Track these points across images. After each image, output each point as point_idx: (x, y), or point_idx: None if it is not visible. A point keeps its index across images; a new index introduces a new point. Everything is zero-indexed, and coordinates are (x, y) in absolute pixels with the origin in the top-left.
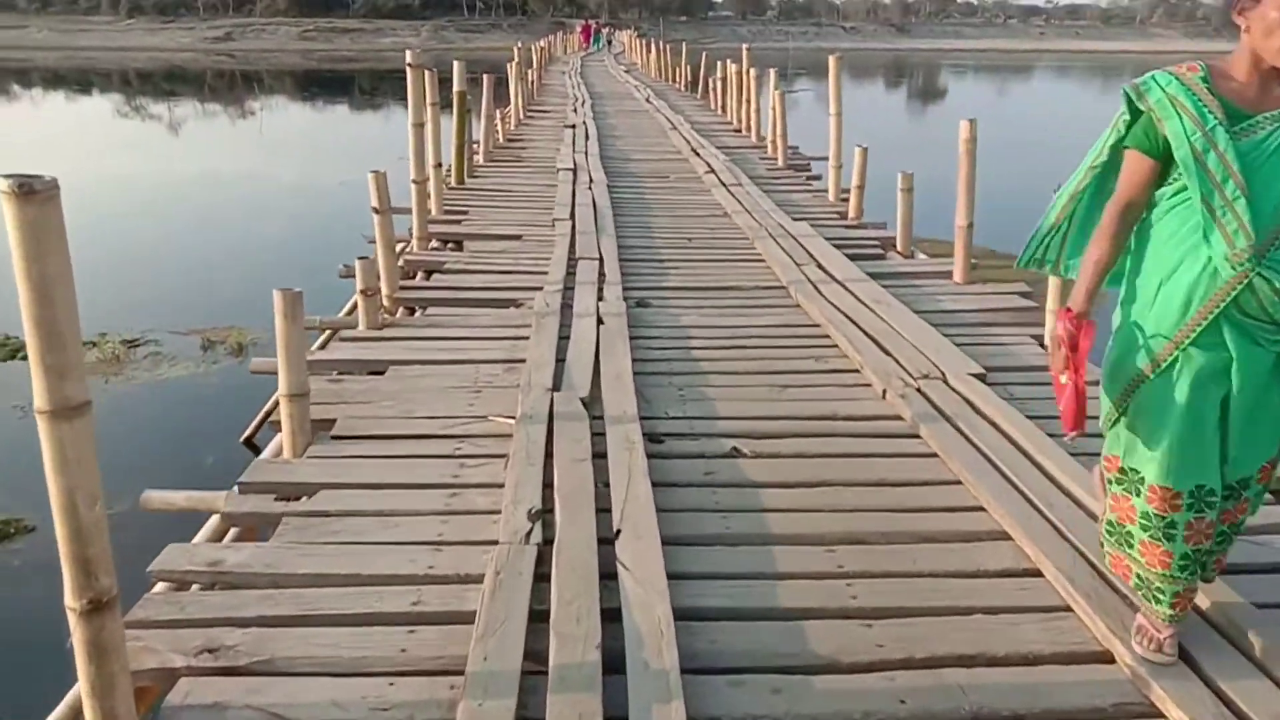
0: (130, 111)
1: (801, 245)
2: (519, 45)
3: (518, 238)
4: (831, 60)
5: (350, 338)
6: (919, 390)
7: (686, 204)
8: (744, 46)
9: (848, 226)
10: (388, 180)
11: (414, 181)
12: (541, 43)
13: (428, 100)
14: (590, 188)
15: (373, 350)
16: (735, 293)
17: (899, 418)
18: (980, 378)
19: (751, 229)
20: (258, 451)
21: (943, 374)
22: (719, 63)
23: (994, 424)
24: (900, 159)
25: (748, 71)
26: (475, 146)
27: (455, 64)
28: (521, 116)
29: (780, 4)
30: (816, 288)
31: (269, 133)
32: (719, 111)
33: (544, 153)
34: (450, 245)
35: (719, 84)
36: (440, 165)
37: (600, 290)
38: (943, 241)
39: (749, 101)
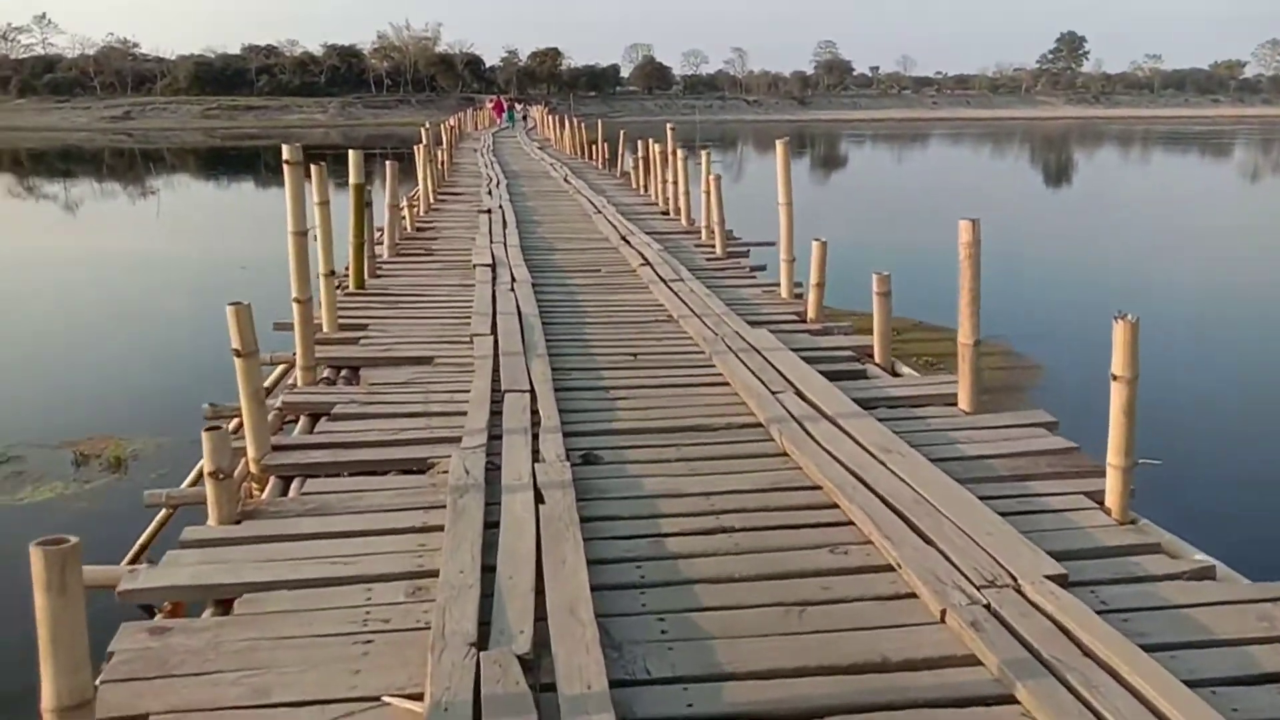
0: (19, 191)
1: (769, 362)
2: (427, 124)
3: (428, 360)
4: (779, 145)
5: (193, 540)
6: (988, 608)
7: (624, 306)
8: (668, 125)
9: (812, 333)
10: (251, 311)
11: (295, 301)
12: (451, 120)
13: (315, 199)
14: (513, 288)
15: (219, 566)
16: (704, 435)
17: (976, 661)
18: (1062, 581)
19: (706, 339)
20: None
21: (1013, 577)
22: (639, 140)
23: (1114, 673)
24: (812, 223)
25: (673, 151)
26: (379, 235)
27: (351, 153)
28: (431, 201)
29: (684, 79)
30: (805, 428)
31: (167, 212)
32: (641, 191)
33: (457, 244)
34: (344, 374)
35: (641, 162)
36: (332, 273)
37: (535, 441)
38: (860, 314)
39: (675, 183)
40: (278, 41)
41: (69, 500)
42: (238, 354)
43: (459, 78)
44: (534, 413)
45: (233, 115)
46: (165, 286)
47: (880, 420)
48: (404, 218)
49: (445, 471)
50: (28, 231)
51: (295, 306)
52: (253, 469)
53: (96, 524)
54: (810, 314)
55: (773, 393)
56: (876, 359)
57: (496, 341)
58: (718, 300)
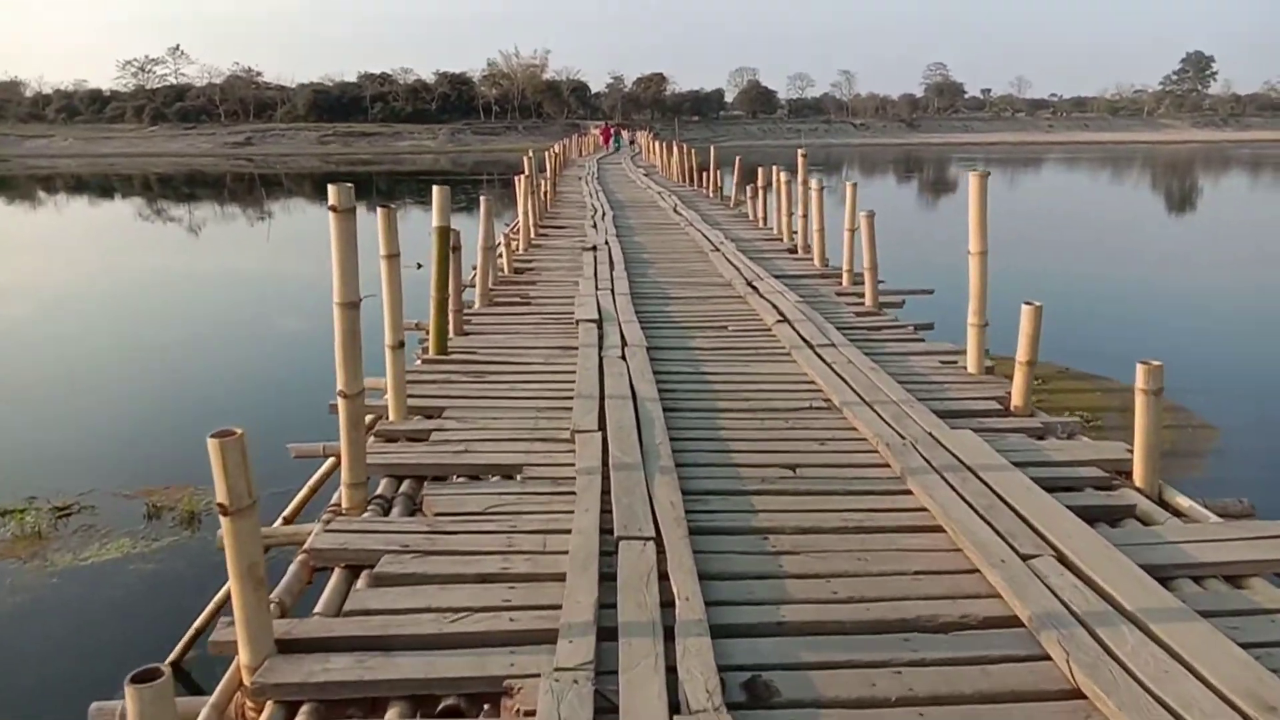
0: (148, 213)
1: (992, 490)
2: (530, 152)
3: (515, 471)
4: (973, 179)
5: None
6: None
7: (764, 382)
8: (799, 151)
9: (1029, 433)
10: (245, 446)
11: (341, 395)
12: (556, 146)
13: (381, 251)
14: (624, 354)
15: None
16: (933, 641)
17: None
18: None
19: (890, 444)
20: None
21: None
22: (759, 168)
23: None
24: (923, 249)
25: (804, 180)
26: (472, 278)
27: (435, 190)
28: (533, 235)
29: (789, 102)
30: (1105, 645)
31: (280, 236)
32: (761, 224)
33: (559, 289)
34: (403, 490)
35: (761, 192)
36: (401, 345)
37: (669, 645)
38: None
39: (805, 216)
40: (392, 69)
41: (135, 561)
42: (224, 511)
43: (565, 104)
44: (663, 577)
45: (347, 141)
46: (273, 311)
47: (1203, 615)
48: (500, 257)
49: (529, 715)
50: (139, 253)
51: (341, 404)
52: (245, 680)
53: (163, 588)
54: (1016, 401)
55: (1021, 555)
56: (1138, 482)
57: (606, 443)
58: (887, 377)
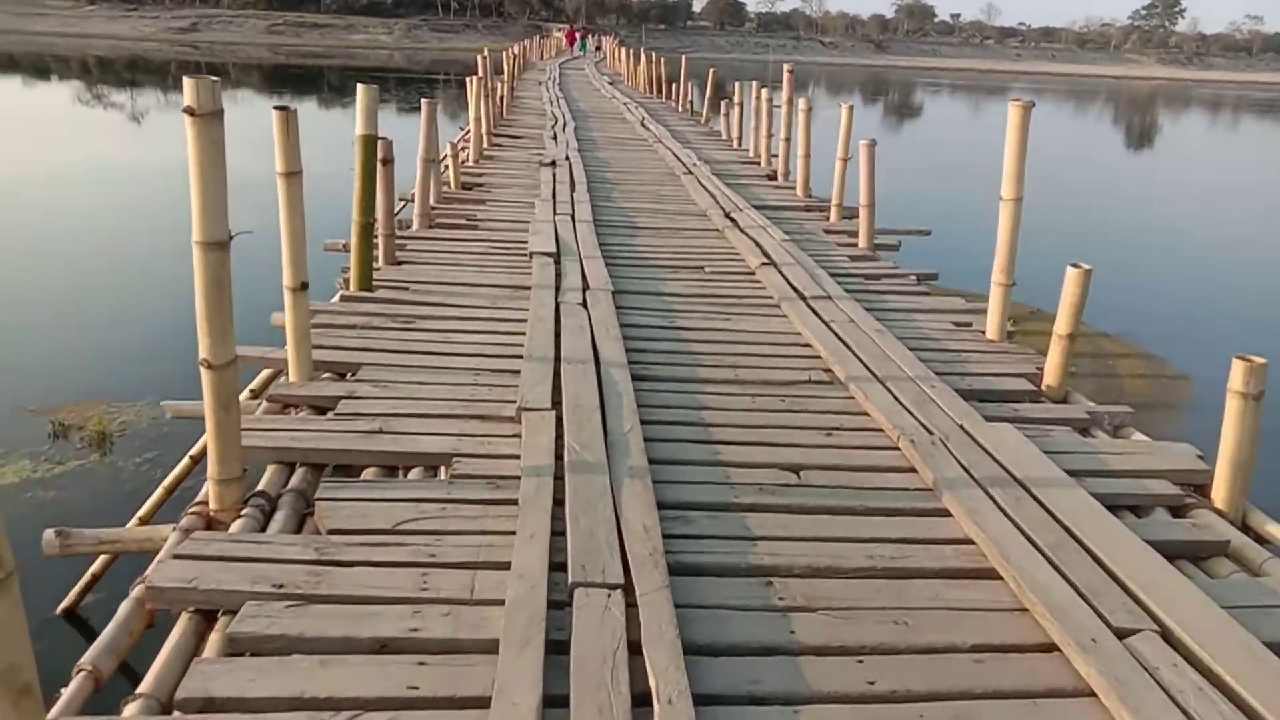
0: (87, 98)
1: (1055, 517)
2: (485, 50)
3: (441, 463)
4: (1013, 110)
5: None
6: None
7: (754, 345)
8: (785, 67)
9: (1076, 426)
10: None
11: (205, 366)
12: (516, 47)
13: (278, 167)
14: (585, 302)
15: None
16: None
17: None
18: None
19: (915, 439)
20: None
21: None
22: (738, 84)
23: None
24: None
25: (789, 99)
26: (411, 197)
27: (359, 90)
28: (485, 146)
29: (759, 15)
30: None
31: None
32: (736, 145)
33: (512, 211)
34: (295, 479)
35: (738, 109)
36: (304, 286)
37: None
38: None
39: (787, 139)
40: None
41: (34, 486)
42: None
43: (527, 4)
44: (634, 649)
45: (298, 32)
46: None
47: None
48: (447, 169)
49: None
50: (106, 139)
51: (205, 377)
52: None
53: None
54: (1049, 380)
55: (1114, 630)
56: (1219, 503)
57: (561, 428)
58: (897, 344)
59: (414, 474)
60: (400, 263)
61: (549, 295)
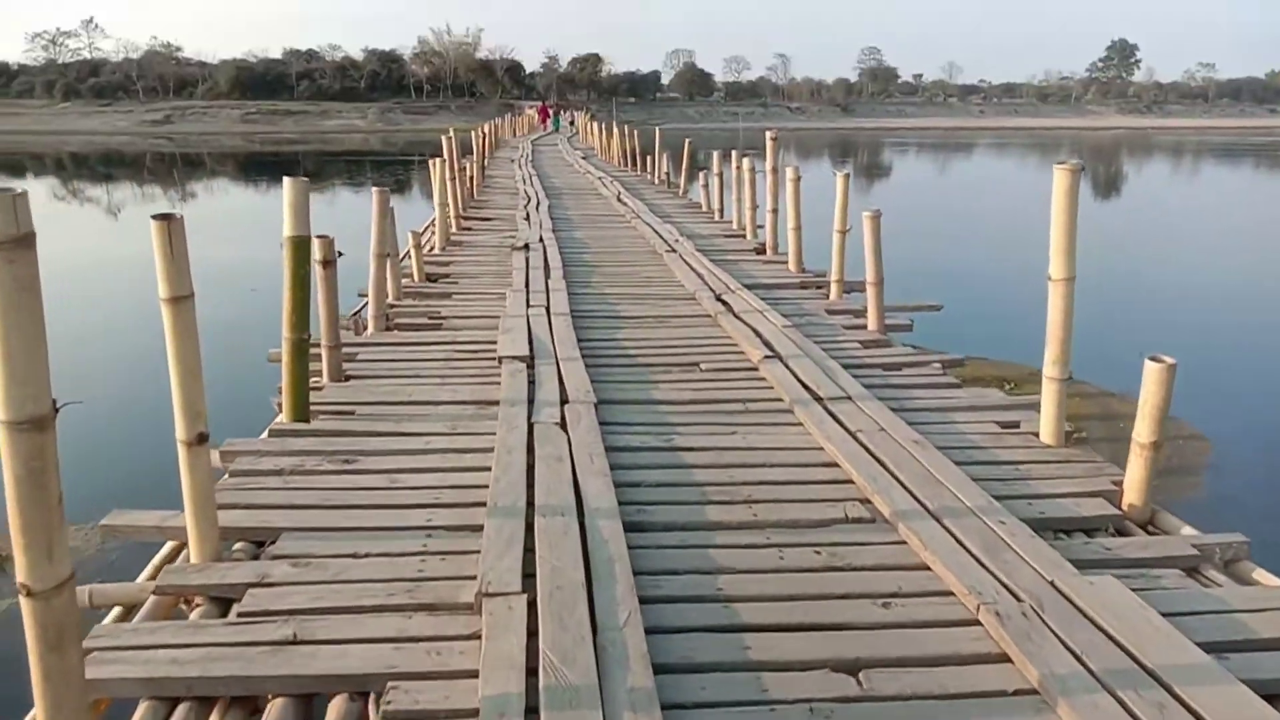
0: (62, 194)
1: None
2: (451, 131)
3: (365, 696)
4: (1059, 175)
5: None
6: None
7: (766, 465)
8: (769, 134)
9: (1181, 563)
10: None
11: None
12: (486, 126)
13: (161, 292)
14: (564, 421)
15: None
16: None
17: None
18: None
19: (996, 611)
20: None
21: None
22: (716, 153)
23: None
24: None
25: (774, 167)
26: (362, 301)
27: (286, 183)
28: (453, 231)
29: (726, 85)
30: None
31: (198, 216)
32: (717, 216)
33: (481, 304)
34: None
35: (717, 180)
36: (201, 440)
37: None
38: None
39: (777, 212)
40: (319, 46)
41: None
42: None
43: (499, 84)
44: None
45: (272, 120)
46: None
47: None
48: (407, 262)
49: None
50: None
51: (25, 604)
52: None
53: None
54: (1131, 498)
55: None
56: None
57: (534, 623)
58: (942, 459)
59: (334, 709)
60: (349, 378)
61: (521, 414)
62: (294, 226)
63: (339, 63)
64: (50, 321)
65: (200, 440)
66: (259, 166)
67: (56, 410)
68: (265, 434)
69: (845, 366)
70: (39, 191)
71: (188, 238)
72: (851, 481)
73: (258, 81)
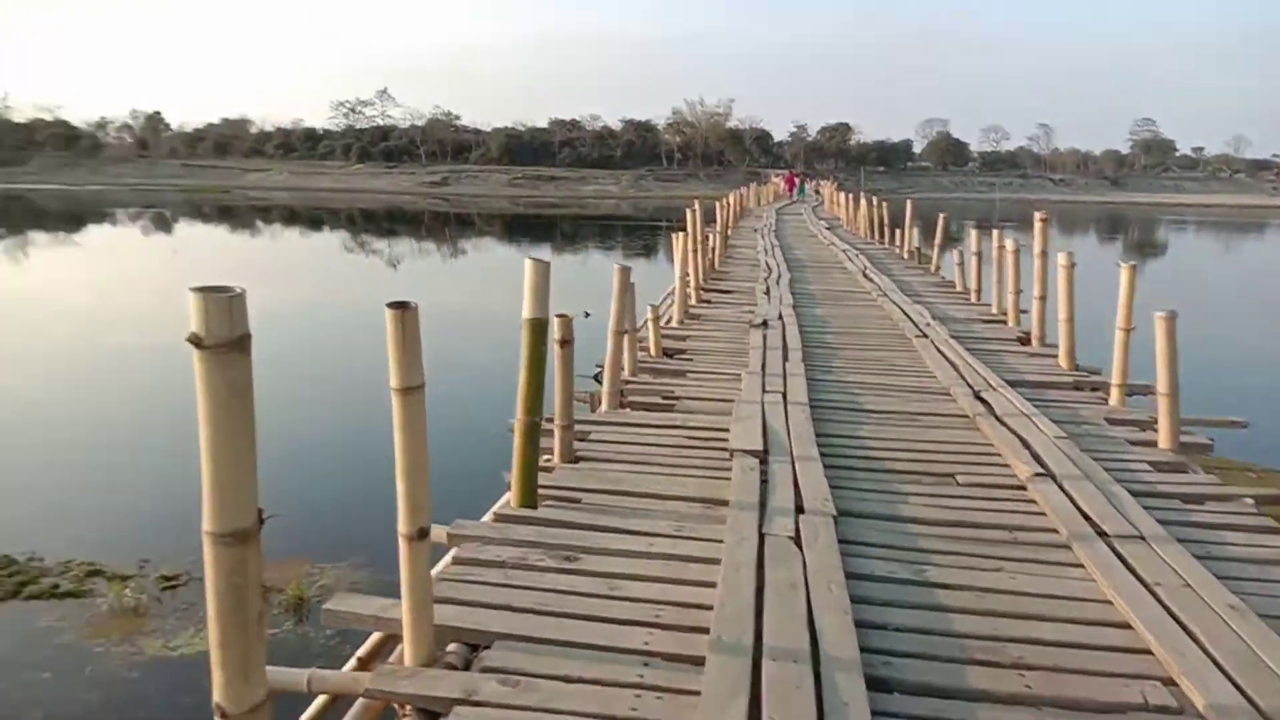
0: (352, 245)
1: None
2: (693, 207)
3: None
4: None
5: None
6: None
7: (1044, 619)
8: (1038, 215)
9: None
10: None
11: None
12: (732, 195)
13: (395, 384)
14: (798, 537)
15: None
16: None
17: None
18: None
19: None
20: None
21: None
22: (974, 230)
23: None
24: None
25: (1043, 251)
26: (599, 373)
27: (527, 266)
28: (693, 303)
29: (982, 155)
30: None
31: (466, 268)
32: (974, 298)
33: (714, 386)
34: None
35: (975, 258)
36: (422, 535)
37: None
38: None
39: (1045, 300)
40: (580, 116)
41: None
42: None
43: (746, 152)
44: None
45: (536, 184)
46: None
47: None
48: (644, 339)
49: None
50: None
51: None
52: None
53: None
54: None
55: None
56: None
57: None
58: (1276, 640)
59: None
60: (579, 458)
61: (751, 522)
62: (534, 309)
63: (598, 132)
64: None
65: (421, 535)
66: (522, 227)
67: (262, 522)
68: (491, 515)
69: (1134, 494)
70: (332, 242)
71: (421, 322)
72: (1150, 653)
73: (524, 148)
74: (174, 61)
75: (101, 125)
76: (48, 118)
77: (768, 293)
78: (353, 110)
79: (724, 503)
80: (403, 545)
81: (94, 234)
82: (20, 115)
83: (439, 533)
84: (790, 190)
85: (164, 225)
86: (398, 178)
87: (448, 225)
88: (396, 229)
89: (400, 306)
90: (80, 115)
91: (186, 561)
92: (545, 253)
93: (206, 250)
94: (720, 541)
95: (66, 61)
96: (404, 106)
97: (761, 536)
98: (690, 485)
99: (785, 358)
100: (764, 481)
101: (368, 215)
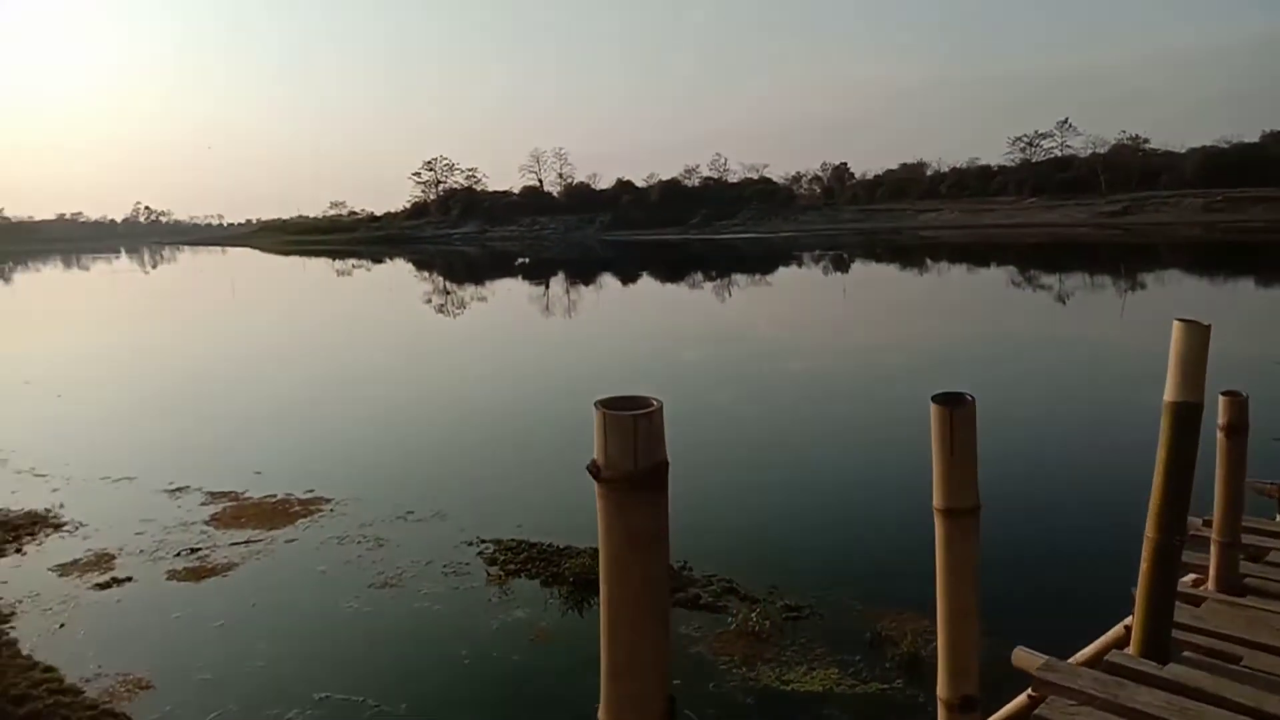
0: (1018, 279)
1: None
2: None
3: None
4: None
5: None
6: None
7: None
8: None
9: None
10: None
11: None
12: None
13: None
14: None
15: None
16: None
17: None
18: None
19: None
20: None
21: None
22: None
23: None
24: None
25: None
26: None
27: (1176, 330)
28: None
29: None
30: None
31: (1139, 314)
32: None
33: None
34: None
35: None
36: (970, 704)
37: None
38: None
39: None
40: None
41: (832, 701)
42: None
43: None
44: None
45: (1239, 207)
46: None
47: None
48: None
49: None
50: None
51: None
52: None
53: None
54: None
55: None
56: None
57: None
58: None
59: None
60: (1245, 590)
61: None
62: (1181, 390)
63: None
64: None
65: (966, 706)
66: (1215, 259)
67: None
68: (1093, 650)
69: None
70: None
71: None
72: None
73: (1227, 167)
74: (856, 123)
75: (796, 179)
76: (754, 176)
77: None
78: (1030, 144)
79: None
80: (941, 711)
81: (783, 274)
82: (733, 176)
83: (1020, 657)
84: None
85: (841, 265)
86: (1072, 210)
87: (1122, 259)
88: (1062, 262)
89: (952, 399)
90: (780, 171)
91: (811, 595)
92: (1230, 293)
93: (874, 290)
94: None
95: (771, 132)
96: (1085, 134)
97: None
98: None
99: None
100: None
101: (1035, 248)
